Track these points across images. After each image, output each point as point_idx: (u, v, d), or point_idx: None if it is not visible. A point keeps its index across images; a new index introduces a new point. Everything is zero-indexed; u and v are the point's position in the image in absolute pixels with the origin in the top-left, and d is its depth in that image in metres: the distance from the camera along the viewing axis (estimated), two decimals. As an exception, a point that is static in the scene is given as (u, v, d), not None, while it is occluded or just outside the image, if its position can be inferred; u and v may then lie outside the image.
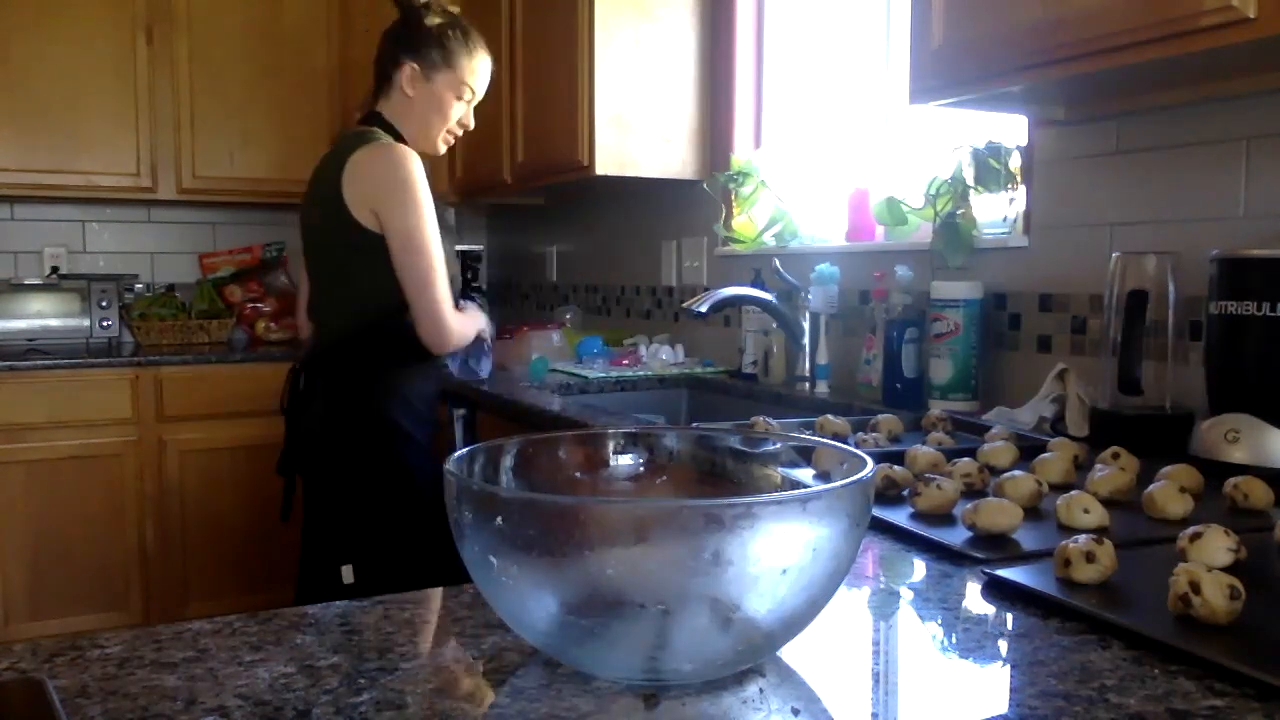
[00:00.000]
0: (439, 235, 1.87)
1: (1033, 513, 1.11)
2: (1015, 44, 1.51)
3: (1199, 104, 1.65)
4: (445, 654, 0.72)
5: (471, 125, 2.04)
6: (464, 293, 2.34)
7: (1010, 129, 2.04)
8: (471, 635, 0.75)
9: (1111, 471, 1.19)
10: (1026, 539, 1.01)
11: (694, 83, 2.98)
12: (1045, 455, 1.32)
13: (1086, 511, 1.05)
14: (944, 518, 1.09)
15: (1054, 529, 1.05)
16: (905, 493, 1.17)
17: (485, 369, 2.38)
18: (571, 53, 2.87)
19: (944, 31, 1.64)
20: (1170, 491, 1.10)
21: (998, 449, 1.37)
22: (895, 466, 1.23)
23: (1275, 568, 0.93)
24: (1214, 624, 0.74)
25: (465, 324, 1.99)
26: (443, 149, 2.04)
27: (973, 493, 1.18)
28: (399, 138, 1.98)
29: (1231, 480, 1.17)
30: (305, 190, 2.06)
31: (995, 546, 0.98)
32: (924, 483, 1.11)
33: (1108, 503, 1.11)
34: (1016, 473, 1.16)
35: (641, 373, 2.70)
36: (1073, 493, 1.07)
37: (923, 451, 1.33)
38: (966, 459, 1.27)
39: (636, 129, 2.88)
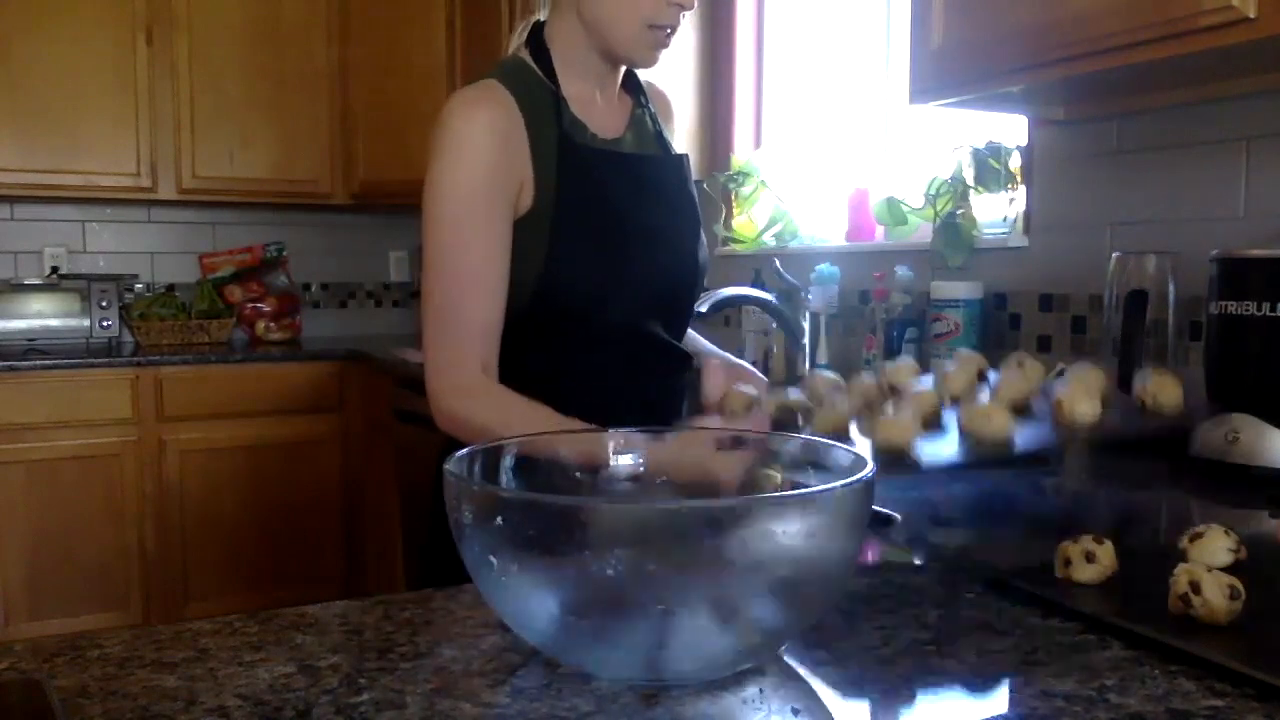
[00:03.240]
0: (487, 229, 1.15)
1: (935, 426, 1.05)
2: (1015, 44, 1.51)
3: (1199, 104, 1.65)
4: (445, 654, 0.72)
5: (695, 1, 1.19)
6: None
7: (1010, 129, 2.04)
8: (471, 635, 0.75)
9: (1014, 378, 1.12)
10: (931, 451, 0.96)
11: (694, 83, 2.98)
12: (948, 368, 1.22)
13: (990, 419, 0.99)
14: (841, 438, 1.02)
15: (958, 439, 1.00)
16: (800, 420, 1.09)
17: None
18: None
19: (944, 32, 1.64)
20: (1078, 393, 1.03)
21: (899, 367, 1.26)
22: (792, 392, 1.12)
23: (1275, 568, 0.93)
24: (1214, 624, 0.74)
25: (474, 409, 1.13)
26: (654, 58, 1.22)
27: (873, 411, 1.11)
28: (548, 68, 1.24)
29: (1141, 381, 1.13)
30: None
31: (896, 463, 0.94)
32: (819, 404, 1.05)
33: (1013, 409, 1.04)
34: (919, 386, 1.10)
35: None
36: (976, 402, 1.02)
37: (820, 375, 1.22)
38: (866, 375, 1.19)
39: (636, 129, 2.88)
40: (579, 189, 1.17)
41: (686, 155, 1.36)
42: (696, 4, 1.22)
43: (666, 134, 1.36)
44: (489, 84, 1.19)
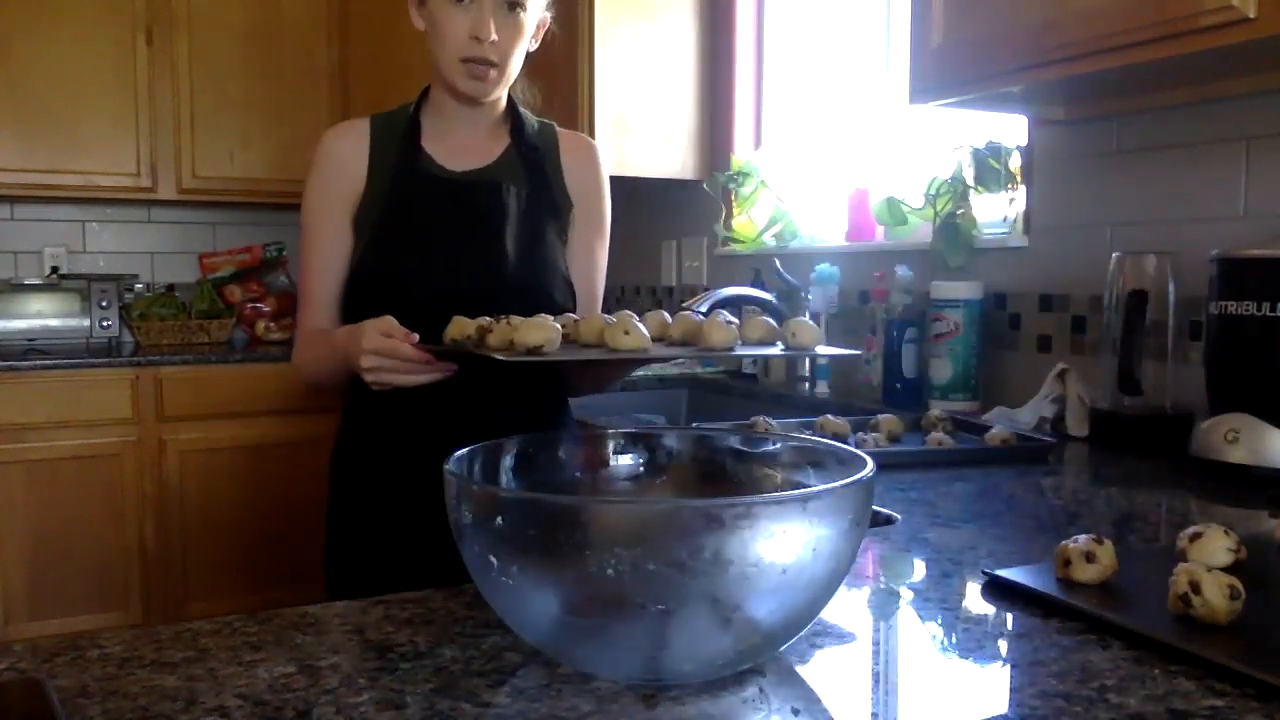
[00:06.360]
0: (322, 227, 1.47)
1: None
2: (1015, 44, 1.51)
3: (1199, 104, 1.65)
4: (445, 654, 0.72)
5: (492, 35, 1.37)
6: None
7: (1010, 129, 2.04)
8: (471, 635, 0.75)
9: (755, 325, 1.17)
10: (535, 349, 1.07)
11: (694, 83, 2.98)
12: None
13: (627, 334, 1.09)
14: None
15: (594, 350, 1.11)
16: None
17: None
18: (571, 53, 2.87)
19: (944, 31, 1.64)
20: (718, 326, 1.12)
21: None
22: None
23: (1275, 568, 0.93)
24: (1214, 624, 0.74)
25: (296, 345, 1.50)
26: (477, 88, 1.42)
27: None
28: (420, 100, 1.55)
29: (783, 325, 1.16)
30: None
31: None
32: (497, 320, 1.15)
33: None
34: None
35: (641, 373, 2.70)
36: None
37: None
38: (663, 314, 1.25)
39: (636, 129, 2.88)
40: (400, 202, 1.43)
41: (571, 204, 1.54)
42: (534, 29, 1.43)
43: (563, 176, 1.54)
44: (358, 119, 1.50)
